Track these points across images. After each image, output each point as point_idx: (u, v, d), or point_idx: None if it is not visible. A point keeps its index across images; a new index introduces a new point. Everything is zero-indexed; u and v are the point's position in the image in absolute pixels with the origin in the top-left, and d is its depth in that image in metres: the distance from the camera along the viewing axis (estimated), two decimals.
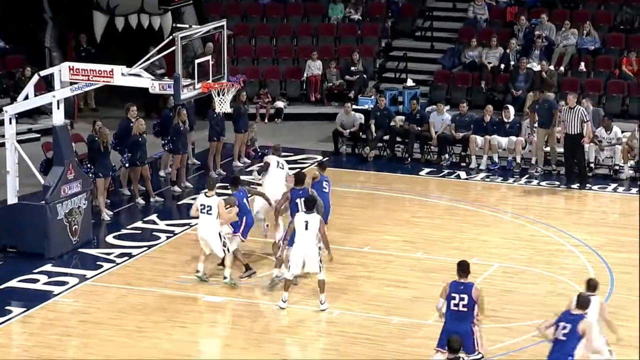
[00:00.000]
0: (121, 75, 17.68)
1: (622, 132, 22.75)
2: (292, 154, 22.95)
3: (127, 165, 20.64)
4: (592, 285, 13.17)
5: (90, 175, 19.36)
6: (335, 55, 28.03)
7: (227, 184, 18.16)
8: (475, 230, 19.38)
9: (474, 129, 23.42)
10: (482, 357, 13.14)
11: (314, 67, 27.45)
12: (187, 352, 14.73)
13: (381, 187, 21.95)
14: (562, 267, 17.66)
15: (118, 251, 18.37)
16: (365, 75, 27.24)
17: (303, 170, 17.19)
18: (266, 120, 26.87)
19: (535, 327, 13.35)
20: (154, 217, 20.11)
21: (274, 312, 15.87)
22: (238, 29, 28.35)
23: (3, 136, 19.08)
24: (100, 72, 17.74)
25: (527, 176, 22.65)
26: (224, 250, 16.64)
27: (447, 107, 24.56)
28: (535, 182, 22.36)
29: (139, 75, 17.71)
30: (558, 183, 22.19)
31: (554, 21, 27.13)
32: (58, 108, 18.14)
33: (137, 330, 15.30)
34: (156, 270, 17.58)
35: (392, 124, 24.08)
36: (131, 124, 20.76)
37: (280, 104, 27.13)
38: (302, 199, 16.28)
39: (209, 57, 18.20)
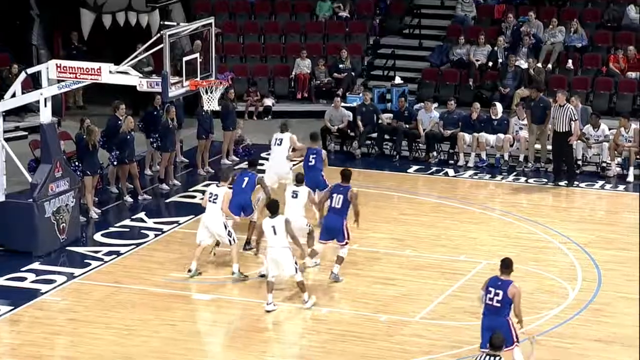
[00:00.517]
0: (109, 73, 17.67)
1: (609, 129, 22.81)
2: None
3: (115, 163, 20.62)
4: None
5: (78, 173, 19.33)
6: (323, 53, 28.04)
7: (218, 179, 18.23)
8: (463, 228, 19.40)
9: (462, 126, 23.46)
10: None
11: (303, 65, 27.45)
12: (175, 350, 14.71)
13: (369, 185, 21.96)
14: (549, 264, 17.69)
15: (106, 249, 18.35)
16: (353, 73, 27.25)
17: (348, 168, 17.61)
18: (255, 118, 26.88)
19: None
20: (142, 215, 20.09)
21: (262, 310, 15.86)
22: (226, 26, 28.34)
23: None
24: (87, 70, 17.71)
25: (515, 174, 22.69)
26: (230, 241, 16.80)
27: (435, 105, 24.58)
28: (523, 179, 22.40)
29: (126, 73, 17.69)
30: (546, 180, 22.24)
31: (542, 19, 27.18)
32: (45, 106, 18.10)
33: (125, 329, 15.28)
34: (144, 268, 17.56)
35: (379, 121, 24.12)
36: (120, 122, 20.74)
37: (268, 101, 27.13)
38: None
39: (197, 55, 18.17)
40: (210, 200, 16.93)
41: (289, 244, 15.69)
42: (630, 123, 22.55)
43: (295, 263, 15.66)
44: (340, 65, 27.24)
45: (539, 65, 25.98)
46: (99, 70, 17.65)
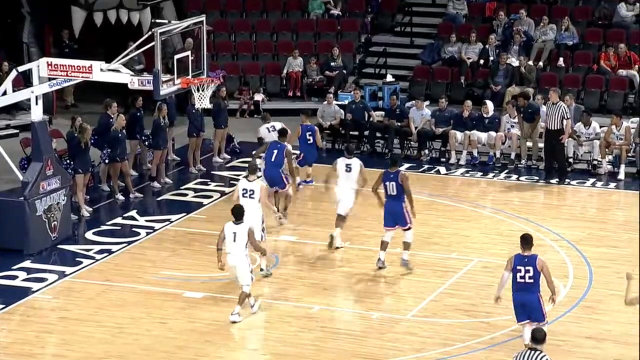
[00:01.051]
0: (100, 71, 17.64)
1: (600, 127, 22.84)
2: None
3: (106, 161, 20.59)
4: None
5: (70, 171, 19.29)
6: (315, 51, 28.03)
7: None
8: (455, 226, 19.41)
9: (453, 124, 23.46)
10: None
11: (295, 63, 27.43)
12: (166, 348, 14.70)
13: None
14: None
15: (97, 247, 18.32)
16: (345, 71, 27.25)
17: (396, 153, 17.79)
18: (246, 116, 26.86)
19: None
20: (133, 213, 20.06)
21: (254, 308, 15.83)
22: (217, 24, 28.31)
23: None
24: (78, 68, 17.69)
25: (506, 171, 22.71)
26: (262, 236, 16.79)
27: (427, 103, 24.59)
28: (514, 177, 22.42)
29: (118, 71, 17.67)
30: (537, 178, 22.27)
31: (533, 16, 27.22)
32: (37, 104, 18.07)
33: (116, 327, 15.26)
34: (136, 266, 17.54)
35: (370, 119, 24.12)
36: (111, 120, 20.71)
37: (258, 97, 27.06)
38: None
39: (188, 53, 18.16)
40: (245, 196, 16.72)
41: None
42: (622, 121, 22.60)
43: (251, 272, 15.40)
44: (332, 63, 27.22)
45: (530, 63, 26.01)
46: (90, 68, 17.63)
